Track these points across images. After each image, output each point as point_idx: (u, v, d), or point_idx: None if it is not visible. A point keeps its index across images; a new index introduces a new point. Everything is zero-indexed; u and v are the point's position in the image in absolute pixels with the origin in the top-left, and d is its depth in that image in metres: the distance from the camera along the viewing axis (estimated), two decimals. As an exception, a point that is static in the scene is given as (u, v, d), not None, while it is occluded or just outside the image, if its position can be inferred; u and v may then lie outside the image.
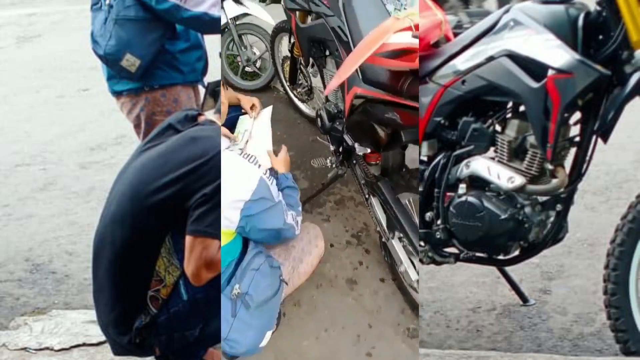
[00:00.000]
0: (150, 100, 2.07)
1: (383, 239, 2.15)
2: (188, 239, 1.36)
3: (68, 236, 2.64)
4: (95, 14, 1.99)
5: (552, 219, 1.61)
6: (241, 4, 3.41)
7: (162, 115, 2.05)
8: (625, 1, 1.34)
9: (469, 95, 1.61)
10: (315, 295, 2.18)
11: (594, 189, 2.60)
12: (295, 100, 3.27)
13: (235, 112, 2.28)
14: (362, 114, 2.00)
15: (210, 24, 1.92)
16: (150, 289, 1.44)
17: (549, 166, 1.54)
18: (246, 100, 2.27)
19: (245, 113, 2.24)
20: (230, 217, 1.58)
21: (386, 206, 2.00)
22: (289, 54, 2.95)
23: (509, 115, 1.64)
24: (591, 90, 1.43)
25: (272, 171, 1.90)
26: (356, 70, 1.83)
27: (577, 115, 1.52)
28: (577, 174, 1.56)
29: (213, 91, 1.60)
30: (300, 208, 1.91)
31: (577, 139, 1.55)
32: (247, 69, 3.67)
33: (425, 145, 1.71)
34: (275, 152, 2.07)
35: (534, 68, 1.46)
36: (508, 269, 1.96)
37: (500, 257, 1.71)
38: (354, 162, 2.24)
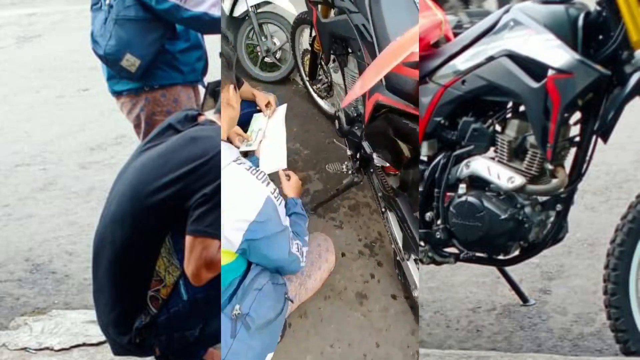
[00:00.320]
0: (150, 100, 2.07)
1: (398, 258, 2.04)
2: (188, 239, 1.36)
3: (68, 236, 2.64)
4: (95, 14, 1.99)
5: (552, 219, 1.61)
6: None
7: (162, 115, 2.05)
8: (625, 1, 1.34)
9: (469, 95, 1.61)
10: (323, 307, 2.09)
11: (594, 189, 2.60)
12: (315, 95, 3.14)
13: (250, 109, 2.20)
14: (383, 122, 1.86)
15: (210, 24, 1.92)
16: (150, 289, 1.43)
17: (549, 166, 1.54)
18: (262, 97, 2.18)
19: (260, 110, 2.17)
20: (231, 239, 1.44)
21: (403, 224, 1.85)
22: (310, 48, 2.83)
23: (509, 115, 1.64)
24: (591, 90, 1.43)
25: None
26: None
27: (577, 115, 1.52)
28: (577, 174, 1.56)
29: (213, 91, 1.59)
30: (307, 238, 1.76)
31: (577, 139, 1.55)
32: (266, 59, 3.56)
33: (425, 145, 1.71)
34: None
35: (534, 68, 1.46)
36: (508, 269, 1.96)
37: (500, 257, 1.71)
38: (372, 170, 2.09)
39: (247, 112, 2.17)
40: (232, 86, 1.48)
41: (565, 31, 1.42)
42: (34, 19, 6.08)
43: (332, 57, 2.46)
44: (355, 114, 2.12)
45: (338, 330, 2.02)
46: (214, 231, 1.35)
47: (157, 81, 2.06)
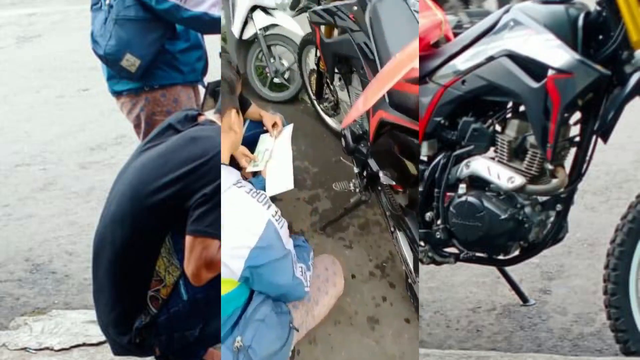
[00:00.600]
0: (150, 100, 2.07)
1: (409, 280, 1.98)
2: (188, 239, 1.36)
3: (68, 236, 2.64)
4: (95, 14, 1.99)
5: (552, 219, 1.61)
6: (270, 14, 3.39)
7: (162, 115, 2.05)
8: (625, 1, 1.34)
9: (469, 95, 1.61)
10: (333, 333, 1.99)
11: (594, 189, 2.60)
12: (322, 114, 3.19)
13: (257, 129, 2.21)
14: (387, 139, 1.83)
15: (210, 24, 1.92)
16: (150, 289, 1.43)
17: (549, 166, 1.54)
18: (268, 118, 2.17)
19: (267, 131, 2.17)
20: (232, 267, 1.36)
21: (413, 245, 1.79)
22: (316, 68, 2.89)
23: (509, 115, 1.64)
24: (591, 90, 1.43)
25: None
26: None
27: (577, 115, 1.52)
28: (577, 174, 1.56)
29: (213, 91, 1.59)
30: (310, 263, 1.66)
31: (577, 139, 1.55)
32: (275, 80, 3.64)
33: (425, 145, 1.71)
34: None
35: (534, 68, 1.46)
36: (508, 269, 1.96)
37: (500, 257, 1.71)
38: (379, 188, 2.04)
39: (255, 133, 2.18)
40: (234, 110, 1.46)
41: (565, 31, 1.42)
42: (34, 19, 6.08)
43: (337, 75, 2.47)
44: (361, 132, 2.08)
45: (349, 358, 1.93)
46: (214, 231, 1.35)
47: (157, 81, 2.06)
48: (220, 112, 1.51)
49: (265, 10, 3.41)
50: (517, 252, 1.70)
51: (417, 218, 1.77)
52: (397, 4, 1.84)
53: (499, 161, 1.62)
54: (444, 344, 1.91)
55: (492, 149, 1.65)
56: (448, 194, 1.70)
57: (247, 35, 3.52)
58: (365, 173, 2.10)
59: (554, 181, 1.54)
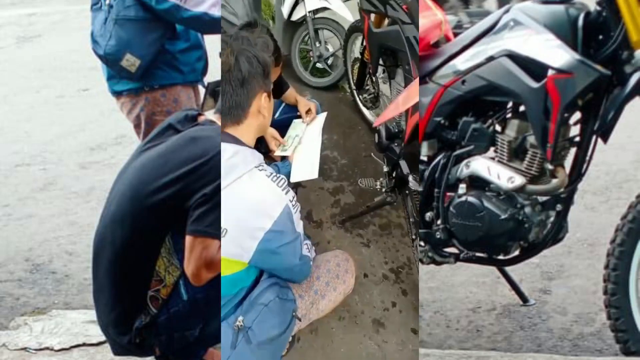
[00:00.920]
0: (150, 100, 2.07)
1: None
2: (188, 239, 1.36)
3: (68, 236, 2.64)
4: (95, 14, 1.99)
5: (552, 219, 1.61)
6: None
7: (162, 115, 2.05)
8: (625, 1, 1.34)
9: (469, 95, 1.61)
10: (336, 328, 1.98)
11: (594, 189, 2.60)
12: (361, 105, 3.14)
13: (291, 113, 2.22)
14: None
15: (210, 24, 1.92)
16: (150, 289, 1.43)
17: (549, 166, 1.54)
18: (303, 104, 2.17)
19: (300, 116, 2.17)
20: (244, 246, 1.37)
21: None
22: (360, 57, 2.84)
23: (509, 115, 1.64)
24: (591, 90, 1.43)
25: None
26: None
27: (577, 115, 1.52)
28: (577, 174, 1.56)
29: (213, 91, 1.59)
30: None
31: (577, 139, 1.55)
32: (317, 64, 3.58)
33: (425, 145, 1.71)
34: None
35: (534, 68, 1.46)
36: (508, 269, 1.96)
37: (500, 257, 1.71)
38: (407, 192, 1.97)
39: (288, 117, 2.19)
40: (265, 94, 1.44)
41: (565, 31, 1.42)
42: (34, 19, 6.08)
43: (381, 68, 2.41)
44: (397, 130, 2.01)
45: (348, 356, 1.89)
46: (214, 231, 1.35)
47: (157, 81, 2.05)
48: (248, 98, 1.44)
49: None
50: (517, 252, 1.70)
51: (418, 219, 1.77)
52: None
53: (499, 161, 1.62)
54: (444, 344, 1.90)
55: (492, 149, 1.65)
56: (448, 194, 1.70)
57: (296, 16, 3.47)
58: (394, 174, 2.05)
59: (554, 181, 1.54)
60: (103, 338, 1.68)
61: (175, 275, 1.43)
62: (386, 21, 2.27)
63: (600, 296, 1.63)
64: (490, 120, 1.64)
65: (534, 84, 1.46)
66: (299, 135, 2.06)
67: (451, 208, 1.67)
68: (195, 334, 1.47)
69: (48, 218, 2.79)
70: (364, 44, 2.64)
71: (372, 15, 2.31)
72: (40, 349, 1.80)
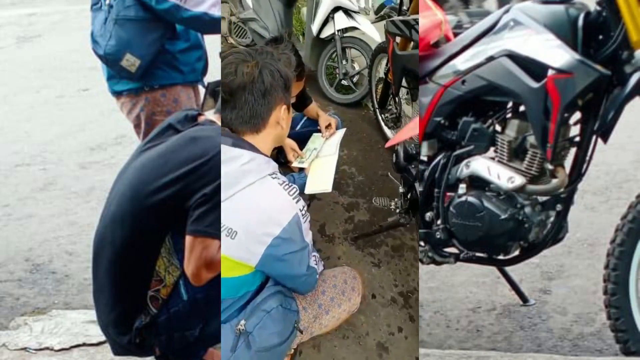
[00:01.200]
0: (150, 100, 2.07)
1: None
2: (188, 239, 1.36)
3: (68, 236, 2.64)
4: (95, 14, 1.99)
5: (552, 219, 1.61)
6: (352, 17, 3.42)
7: (162, 115, 2.05)
8: (625, 1, 1.34)
9: (469, 95, 1.61)
10: (338, 346, 1.94)
11: (594, 189, 2.60)
12: (382, 124, 3.18)
13: (312, 127, 2.29)
14: None
15: (210, 24, 1.92)
16: (150, 289, 1.43)
17: (549, 166, 1.54)
18: (324, 118, 2.24)
19: (320, 131, 2.23)
20: (251, 249, 1.38)
21: None
22: (384, 77, 2.89)
23: (509, 115, 1.64)
24: (591, 90, 1.43)
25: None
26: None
27: (577, 115, 1.52)
28: (577, 174, 1.56)
29: (213, 91, 1.59)
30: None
31: (577, 139, 1.55)
32: (343, 82, 3.67)
33: (425, 145, 1.71)
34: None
35: (534, 68, 1.46)
36: (508, 269, 1.96)
37: (500, 257, 1.71)
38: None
39: (308, 130, 2.26)
40: (284, 107, 1.47)
41: (565, 31, 1.42)
42: (34, 19, 6.08)
43: (405, 89, 2.46)
44: (415, 152, 1.98)
45: None
46: (214, 231, 1.35)
47: (157, 81, 2.06)
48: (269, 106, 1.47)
49: (347, 12, 3.44)
50: (517, 252, 1.70)
51: (418, 221, 1.76)
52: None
53: (499, 161, 1.62)
54: (444, 344, 1.90)
55: (492, 149, 1.65)
56: (448, 194, 1.70)
57: (325, 34, 3.57)
58: (409, 195, 2.03)
59: (554, 181, 1.54)
60: (103, 338, 1.68)
61: (175, 275, 1.43)
62: (411, 44, 2.31)
63: (600, 296, 1.63)
64: (490, 120, 1.64)
65: (534, 84, 1.46)
66: (317, 149, 2.10)
67: (451, 208, 1.67)
68: (195, 334, 1.47)
69: (48, 218, 2.79)
70: (389, 65, 2.68)
71: (398, 38, 2.35)
72: (40, 349, 1.80)
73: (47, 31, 5.71)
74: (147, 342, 1.45)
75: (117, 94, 2.11)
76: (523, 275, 2.14)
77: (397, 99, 2.77)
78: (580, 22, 1.42)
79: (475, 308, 2.05)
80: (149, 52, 1.96)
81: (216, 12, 1.91)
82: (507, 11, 1.55)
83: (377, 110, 3.19)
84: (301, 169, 2.06)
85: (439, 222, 1.71)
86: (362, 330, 2.02)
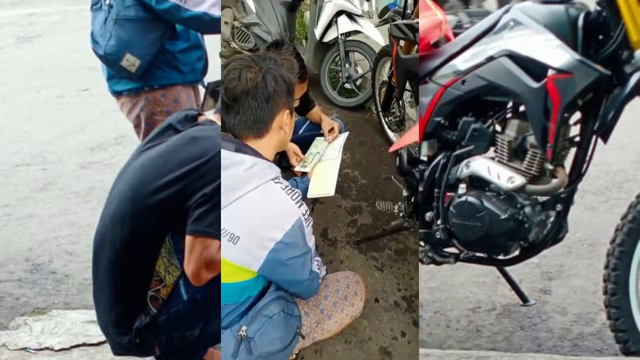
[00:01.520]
0: (150, 100, 2.07)
1: None
2: (188, 239, 1.36)
3: (68, 236, 2.64)
4: (95, 14, 1.99)
5: (552, 219, 1.61)
6: (355, 21, 3.43)
7: (162, 115, 2.05)
8: (625, 1, 1.34)
9: (469, 95, 1.61)
10: (341, 351, 1.92)
11: (594, 189, 2.60)
12: (386, 127, 3.18)
13: (314, 131, 2.29)
14: None
15: (210, 24, 1.92)
16: (150, 289, 1.43)
17: (549, 166, 1.54)
18: (327, 122, 2.24)
19: (323, 134, 2.24)
20: (254, 254, 1.38)
21: None
22: (388, 80, 2.89)
23: (509, 115, 1.64)
24: (591, 90, 1.43)
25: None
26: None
27: (577, 115, 1.52)
28: (577, 174, 1.56)
29: (213, 91, 1.59)
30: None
31: (577, 139, 1.55)
32: (346, 85, 3.67)
33: (425, 145, 1.71)
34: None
35: (534, 68, 1.46)
36: (508, 269, 1.96)
37: (500, 257, 1.71)
38: None
39: (311, 134, 2.26)
40: (287, 111, 1.48)
41: (565, 31, 1.42)
42: (34, 19, 6.08)
43: (409, 92, 2.47)
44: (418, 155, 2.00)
45: None
46: (214, 231, 1.35)
47: (157, 81, 2.05)
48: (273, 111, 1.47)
49: (350, 16, 3.45)
50: (517, 252, 1.70)
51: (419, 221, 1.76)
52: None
53: (499, 161, 1.62)
54: (444, 344, 1.90)
55: (492, 149, 1.65)
56: (448, 194, 1.70)
57: (328, 38, 3.58)
58: (413, 199, 2.02)
59: (554, 181, 1.54)
60: (103, 338, 1.68)
61: (175, 275, 1.43)
62: (415, 48, 2.31)
63: (600, 296, 1.63)
64: (490, 120, 1.64)
65: (534, 84, 1.46)
66: (320, 153, 2.10)
67: (451, 208, 1.67)
68: (195, 334, 1.47)
69: (48, 218, 2.79)
70: (392, 68, 2.68)
71: (402, 42, 2.34)
72: (40, 349, 1.80)
73: (47, 31, 5.71)
74: (147, 342, 1.45)
75: (117, 94, 2.11)
76: (523, 275, 2.14)
77: (400, 102, 2.78)
78: (580, 22, 1.42)
79: (475, 308, 2.05)
80: (149, 52, 1.96)
81: (216, 12, 1.91)
82: (507, 11, 1.55)
83: (381, 114, 3.19)
84: (304, 173, 2.06)
85: (439, 222, 1.71)
86: (364, 334, 2.00)
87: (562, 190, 1.55)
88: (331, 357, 1.93)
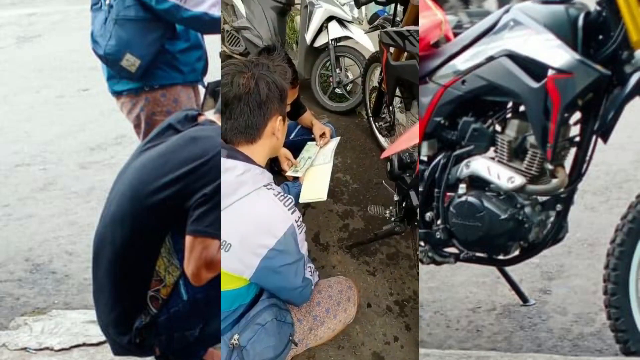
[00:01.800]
0: (150, 100, 2.07)
1: None
2: (188, 239, 1.36)
3: (68, 236, 2.64)
4: (95, 14, 1.99)
5: (552, 219, 1.61)
6: (345, 27, 3.46)
7: (162, 115, 2.05)
8: (625, 1, 1.34)
9: (469, 95, 1.61)
10: (334, 357, 1.92)
11: (594, 189, 2.60)
12: (376, 132, 3.19)
13: (306, 136, 2.30)
14: None
15: (210, 24, 1.92)
16: (150, 289, 1.43)
17: (549, 166, 1.54)
18: (318, 127, 2.25)
19: (314, 139, 2.25)
20: (246, 262, 1.38)
21: None
22: (378, 86, 2.91)
23: (509, 115, 1.64)
24: (591, 90, 1.43)
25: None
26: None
27: (577, 115, 1.52)
28: (577, 174, 1.56)
29: (213, 91, 1.59)
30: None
31: (577, 139, 1.55)
32: (337, 90, 3.70)
33: (425, 145, 1.71)
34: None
35: (534, 68, 1.46)
36: (508, 269, 1.96)
37: (500, 257, 1.71)
38: (416, 224, 1.95)
39: (303, 139, 2.27)
40: (280, 117, 1.49)
41: (565, 31, 1.42)
42: (34, 19, 6.09)
43: (398, 98, 2.48)
44: (409, 160, 2.00)
45: None
46: (213, 231, 1.35)
47: (157, 81, 2.06)
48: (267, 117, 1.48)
49: (340, 22, 3.47)
50: (517, 252, 1.70)
51: (418, 222, 1.76)
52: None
53: (499, 161, 1.62)
54: (444, 344, 1.90)
55: (492, 149, 1.65)
56: (448, 194, 1.70)
57: (318, 43, 3.61)
58: (404, 204, 2.03)
59: (554, 181, 1.54)
60: (103, 338, 1.68)
61: (175, 275, 1.43)
62: (404, 55, 2.32)
63: (600, 296, 1.63)
64: (490, 120, 1.64)
65: (534, 84, 1.46)
66: (312, 158, 2.10)
67: (451, 208, 1.67)
68: (195, 334, 1.47)
69: (48, 218, 2.79)
70: (382, 74, 2.69)
71: (392, 48, 2.35)
72: (40, 349, 1.80)
73: (47, 31, 5.71)
74: (147, 342, 1.45)
75: (117, 94, 2.11)
76: (523, 275, 2.14)
77: (390, 107, 2.79)
78: (580, 22, 1.42)
79: (475, 308, 2.05)
80: (149, 52, 1.97)
81: (216, 12, 1.91)
82: (507, 11, 1.55)
83: (371, 119, 3.21)
84: (295, 178, 2.05)
85: (439, 222, 1.71)
86: (357, 339, 2.00)
87: (562, 190, 1.55)
88: (323, 363, 1.93)
